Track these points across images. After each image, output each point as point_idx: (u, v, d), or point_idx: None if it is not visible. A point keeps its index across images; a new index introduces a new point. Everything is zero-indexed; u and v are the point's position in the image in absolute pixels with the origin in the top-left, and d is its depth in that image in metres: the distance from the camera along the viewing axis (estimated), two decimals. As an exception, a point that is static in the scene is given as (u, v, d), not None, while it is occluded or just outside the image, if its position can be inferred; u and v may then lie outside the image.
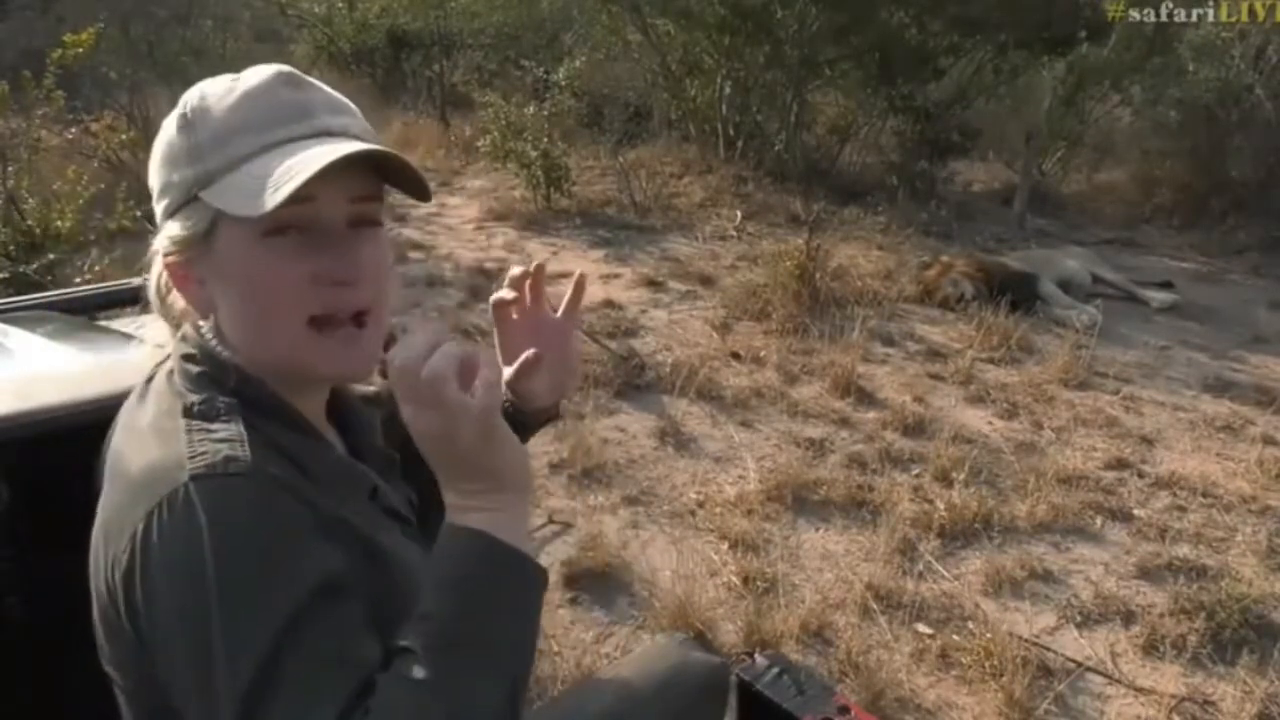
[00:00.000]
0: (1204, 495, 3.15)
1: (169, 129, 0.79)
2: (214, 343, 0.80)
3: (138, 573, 0.68)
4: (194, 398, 0.76)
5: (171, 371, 0.81)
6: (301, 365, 0.79)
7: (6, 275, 3.73)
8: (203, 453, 0.71)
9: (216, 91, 0.78)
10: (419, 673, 0.67)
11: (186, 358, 0.80)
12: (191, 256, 0.79)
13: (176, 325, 0.86)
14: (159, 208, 0.80)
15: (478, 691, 0.68)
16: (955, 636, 2.40)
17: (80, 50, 4.68)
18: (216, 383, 0.78)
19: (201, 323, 0.82)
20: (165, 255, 0.80)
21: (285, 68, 0.80)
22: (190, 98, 0.79)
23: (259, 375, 0.80)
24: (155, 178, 0.80)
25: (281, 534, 0.69)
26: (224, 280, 0.78)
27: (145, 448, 0.75)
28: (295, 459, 0.77)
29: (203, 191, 0.76)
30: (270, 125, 0.76)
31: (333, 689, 0.64)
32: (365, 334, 0.79)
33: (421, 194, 0.82)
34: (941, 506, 2.93)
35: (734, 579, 2.60)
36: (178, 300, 0.83)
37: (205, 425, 0.74)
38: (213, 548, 0.66)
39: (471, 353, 0.72)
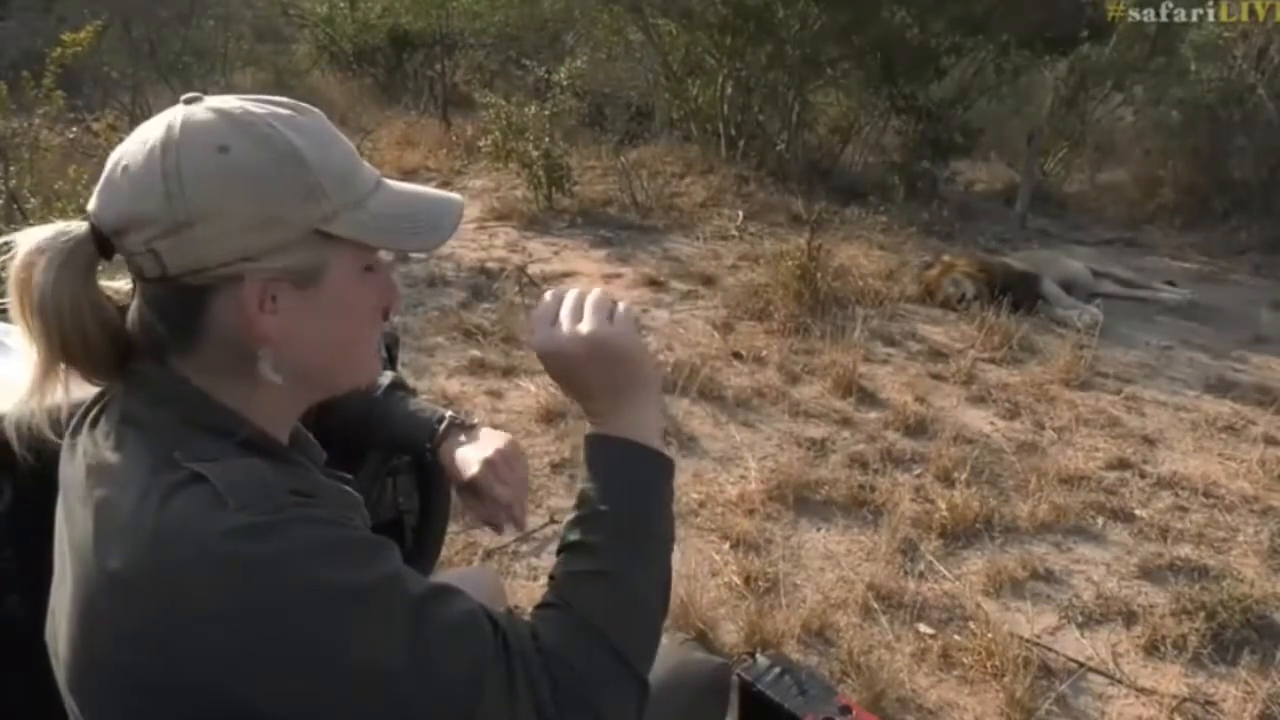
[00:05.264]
0: (1206, 495, 3.15)
1: (257, 161, 0.75)
2: (218, 397, 0.78)
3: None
4: (206, 463, 0.73)
5: (147, 429, 0.76)
6: (361, 381, 0.91)
7: (8, 275, 3.73)
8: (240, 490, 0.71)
9: (289, 124, 0.77)
10: (597, 564, 0.81)
11: (185, 420, 0.76)
12: (285, 288, 0.77)
13: (159, 357, 0.80)
14: (254, 240, 0.75)
15: (648, 576, 0.85)
16: (957, 636, 2.40)
17: (79, 49, 4.68)
18: (223, 436, 0.76)
19: (261, 352, 0.78)
20: (265, 283, 0.76)
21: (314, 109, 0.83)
22: (271, 132, 0.76)
23: (257, 423, 0.80)
24: (252, 211, 0.75)
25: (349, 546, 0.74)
26: (322, 311, 0.80)
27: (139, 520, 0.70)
28: (306, 492, 0.78)
29: (327, 226, 0.77)
30: (359, 164, 0.82)
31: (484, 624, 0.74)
32: None
33: None
34: (943, 506, 2.93)
35: (735, 579, 2.60)
36: (221, 328, 0.78)
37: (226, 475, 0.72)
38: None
39: (601, 294, 0.87)
